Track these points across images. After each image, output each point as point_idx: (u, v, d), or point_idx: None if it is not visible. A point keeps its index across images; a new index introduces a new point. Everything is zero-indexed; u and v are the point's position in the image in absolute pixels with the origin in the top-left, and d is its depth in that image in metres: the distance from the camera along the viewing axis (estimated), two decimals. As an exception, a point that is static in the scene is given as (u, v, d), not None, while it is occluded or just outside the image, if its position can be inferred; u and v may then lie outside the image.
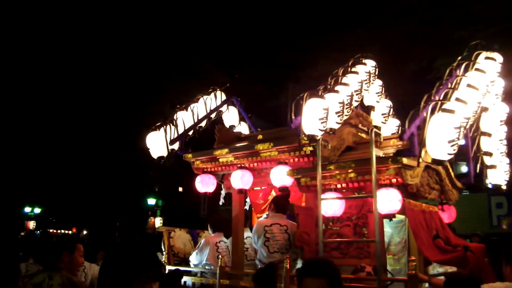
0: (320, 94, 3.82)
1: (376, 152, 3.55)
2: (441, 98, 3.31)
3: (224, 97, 5.71)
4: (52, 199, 27.50)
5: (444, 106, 3.14)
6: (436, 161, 3.20)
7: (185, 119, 5.12)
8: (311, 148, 3.94)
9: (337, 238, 4.00)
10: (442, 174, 4.40)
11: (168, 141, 4.82)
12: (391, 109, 5.07)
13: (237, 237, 4.65)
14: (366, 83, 4.47)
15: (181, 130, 4.99)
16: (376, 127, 5.00)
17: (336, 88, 4.05)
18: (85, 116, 18.75)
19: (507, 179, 4.77)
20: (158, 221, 23.44)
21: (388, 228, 4.67)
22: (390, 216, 3.51)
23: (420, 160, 3.30)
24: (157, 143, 4.83)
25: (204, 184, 4.65)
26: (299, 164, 4.16)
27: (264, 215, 4.77)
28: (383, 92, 4.93)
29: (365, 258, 3.84)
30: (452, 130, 3.03)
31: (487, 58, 3.89)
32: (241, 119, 5.92)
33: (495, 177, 4.71)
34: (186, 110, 5.26)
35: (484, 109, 4.23)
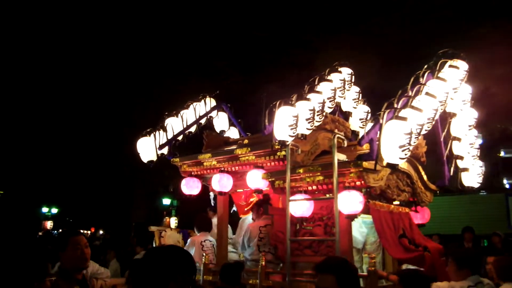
0: (291, 102, 4.08)
1: (340, 157, 3.80)
2: (399, 106, 3.53)
3: (214, 103, 6.01)
4: (69, 200, 28.30)
5: (397, 114, 3.37)
6: (389, 165, 3.41)
7: (174, 125, 5.43)
8: (284, 153, 4.20)
9: (309, 237, 4.25)
10: (413, 177, 4.61)
11: (157, 146, 5.14)
12: (369, 114, 5.28)
13: (222, 236, 4.93)
14: (340, 90, 4.69)
15: (170, 136, 5.30)
16: (354, 132, 5.23)
17: (309, 95, 4.29)
18: (102, 117, 19.28)
19: (480, 181, 4.94)
20: (173, 221, 23.80)
21: (364, 228, 4.90)
22: (352, 217, 3.74)
23: (378, 164, 3.52)
24: (147, 148, 5.16)
25: (189, 187, 4.95)
26: (276, 167, 4.42)
27: (250, 218, 5.01)
28: (359, 98, 5.15)
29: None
30: (403, 136, 3.25)
31: (450, 66, 4.08)
32: (232, 124, 6.21)
33: (469, 180, 4.89)
34: (176, 116, 5.57)
35: (453, 115, 4.43)
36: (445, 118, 4.54)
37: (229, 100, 6.24)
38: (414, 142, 3.43)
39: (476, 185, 4.90)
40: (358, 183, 3.81)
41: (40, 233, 23.18)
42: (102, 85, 18.38)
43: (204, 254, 4.65)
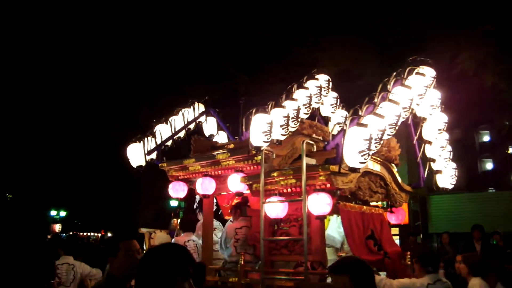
0: (266, 109, 4.32)
1: (310, 161, 4.03)
2: (363, 113, 3.75)
3: (203, 109, 6.27)
4: (77, 203, 28.79)
5: (359, 121, 3.59)
6: (351, 169, 3.64)
7: (163, 131, 5.69)
8: (259, 158, 4.44)
9: (286, 237, 4.49)
10: (387, 179, 4.82)
11: (146, 151, 5.41)
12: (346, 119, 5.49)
13: (207, 237, 5.18)
14: (317, 97, 4.93)
15: (158, 142, 5.57)
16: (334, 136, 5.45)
17: (285, 103, 4.53)
18: (110, 121, 19.62)
19: (454, 182, 5.14)
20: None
21: (341, 228, 5.12)
22: (321, 217, 3.97)
23: (342, 168, 3.74)
24: (136, 154, 5.43)
25: (175, 190, 5.22)
26: (254, 171, 4.65)
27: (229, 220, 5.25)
28: (337, 103, 5.37)
29: (308, 255, 4.31)
30: (362, 142, 3.48)
31: (417, 73, 4.29)
32: (220, 129, 6.46)
33: (443, 181, 5.09)
34: (166, 123, 5.84)
35: (423, 119, 4.63)
36: (418, 122, 4.76)
37: (234, 101, 6.47)
38: (376, 147, 3.65)
39: (450, 186, 5.10)
40: (328, 185, 4.04)
41: (48, 236, 23.66)
42: (112, 89, 18.79)
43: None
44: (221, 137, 6.38)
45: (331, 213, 4.14)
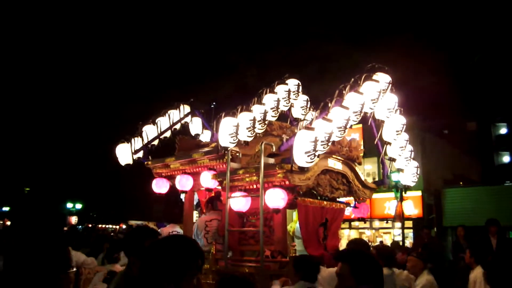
0: (234, 113, 4.75)
1: (268, 161, 4.45)
2: (315, 117, 4.15)
3: (188, 110, 6.72)
4: (92, 195, 29.73)
5: (308, 125, 4.00)
6: (300, 168, 4.05)
7: (149, 131, 6.17)
8: (230, 156, 4.88)
9: (253, 229, 4.93)
10: (349, 177, 5.20)
11: (133, 151, 5.91)
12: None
13: (187, 227, 5.67)
14: (285, 100, 5.33)
15: (145, 142, 6.05)
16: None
17: (253, 107, 4.96)
18: (125, 116, 20.30)
19: (415, 180, 5.49)
20: (195, 215, 24.89)
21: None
22: (276, 211, 4.38)
23: (293, 166, 4.15)
24: (124, 153, 5.93)
25: (158, 186, 5.71)
26: (225, 169, 5.08)
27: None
28: (307, 106, 5.75)
29: (270, 245, 4.75)
30: (308, 144, 3.88)
31: (371, 80, 4.63)
32: (206, 128, 6.90)
33: (405, 179, 5.46)
34: (153, 124, 6.32)
35: (381, 122, 4.99)
36: (379, 124, 5.11)
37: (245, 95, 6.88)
38: (324, 148, 4.04)
39: (412, 184, 5.46)
40: (287, 182, 4.45)
41: (65, 228, 24.55)
42: (127, 86, 19.46)
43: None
44: (206, 136, 6.83)
45: (288, 207, 4.56)
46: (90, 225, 25.38)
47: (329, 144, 4.09)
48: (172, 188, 5.81)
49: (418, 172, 5.49)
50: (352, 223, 19.46)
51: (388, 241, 18.45)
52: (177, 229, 5.84)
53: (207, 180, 5.04)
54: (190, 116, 6.69)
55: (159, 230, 5.93)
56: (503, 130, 25.20)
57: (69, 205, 27.33)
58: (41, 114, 21.19)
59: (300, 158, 3.93)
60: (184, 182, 5.33)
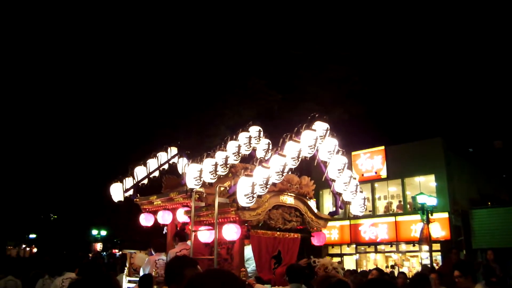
0: (199, 159, 5.74)
1: (223, 200, 5.38)
2: (256, 164, 5.09)
3: (175, 151, 7.76)
4: (116, 222, 31.03)
5: (247, 172, 4.94)
6: (242, 208, 4.96)
7: (139, 172, 7.22)
8: (197, 196, 5.84)
9: (221, 257, 5.83)
10: (302, 210, 6.06)
11: (124, 189, 6.96)
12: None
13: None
14: (246, 146, 6.29)
15: (135, 181, 7.10)
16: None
17: (217, 153, 5.94)
18: (148, 140, 21.31)
19: (363, 210, 6.29)
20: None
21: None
22: (233, 242, 5.28)
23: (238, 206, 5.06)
24: (117, 191, 6.99)
25: (146, 220, 6.72)
26: (196, 206, 6.05)
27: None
28: (269, 148, 6.68)
29: (231, 270, 5.62)
30: (247, 187, 4.80)
31: (309, 129, 5.52)
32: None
33: (353, 209, 6.27)
34: (144, 165, 7.37)
35: (324, 162, 5.86)
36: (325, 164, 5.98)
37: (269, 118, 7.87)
38: (263, 190, 4.95)
39: (360, 214, 6.26)
40: (237, 218, 5.36)
41: (90, 255, 25.83)
42: (144, 108, 20.68)
43: (155, 270, 6.34)
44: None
45: (243, 238, 5.45)
46: (115, 251, 26.60)
47: (267, 187, 5.00)
48: (157, 221, 6.80)
49: (365, 203, 6.29)
50: (378, 246, 19.54)
51: (415, 265, 18.43)
52: (163, 257, 6.77)
53: (181, 215, 6.02)
54: (177, 157, 7.73)
55: (146, 259, 6.92)
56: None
57: (94, 231, 28.70)
58: (68, 146, 22.72)
59: (242, 199, 4.86)
60: (165, 217, 6.32)
